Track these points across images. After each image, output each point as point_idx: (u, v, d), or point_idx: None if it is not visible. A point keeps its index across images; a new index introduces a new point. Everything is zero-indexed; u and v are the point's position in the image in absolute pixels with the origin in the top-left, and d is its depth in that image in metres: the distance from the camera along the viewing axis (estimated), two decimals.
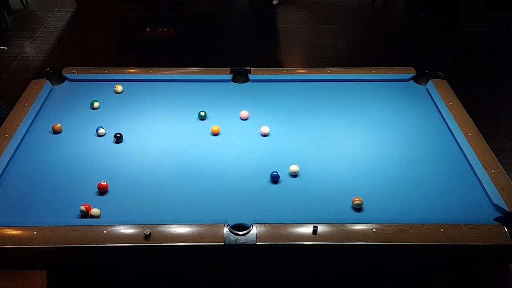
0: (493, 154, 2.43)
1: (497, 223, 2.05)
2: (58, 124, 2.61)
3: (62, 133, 2.61)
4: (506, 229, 2.00)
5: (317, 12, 6.16)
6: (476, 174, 2.33)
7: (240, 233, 1.98)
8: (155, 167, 2.40)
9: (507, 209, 2.11)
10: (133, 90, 2.96)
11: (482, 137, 2.54)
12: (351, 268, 2.36)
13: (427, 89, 2.99)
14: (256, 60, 4.98)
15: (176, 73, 3.09)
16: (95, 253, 2.00)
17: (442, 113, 2.75)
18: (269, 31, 5.70)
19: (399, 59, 5.05)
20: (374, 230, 2.01)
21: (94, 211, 2.11)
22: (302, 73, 3.18)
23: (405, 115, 2.79)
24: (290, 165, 2.36)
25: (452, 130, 2.61)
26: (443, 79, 3.03)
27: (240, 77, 3.07)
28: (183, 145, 2.55)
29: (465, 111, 2.74)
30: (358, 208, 2.16)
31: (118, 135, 2.55)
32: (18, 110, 2.67)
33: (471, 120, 2.67)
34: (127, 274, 2.40)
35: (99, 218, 2.11)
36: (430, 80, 3.01)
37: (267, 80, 3.06)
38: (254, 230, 1.99)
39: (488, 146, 2.47)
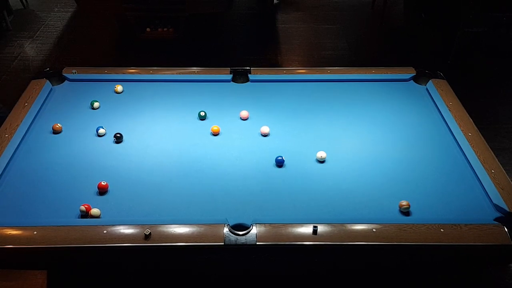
0: (493, 154, 2.43)
1: (497, 223, 2.05)
2: (58, 124, 2.61)
3: (62, 133, 2.61)
4: (506, 229, 2.00)
5: (317, 12, 6.17)
6: (476, 174, 2.33)
7: (240, 233, 1.98)
8: (155, 167, 2.40)
9: (507, 209, 2.11)
10: (133, 90, 2.96)
11: (482, 137, 2.54)
12: (351, 268, 2.36)
13: (427, 89, 2.99)
14: (256, 60, 4.98)
15: (176, 73, 3.09)
16: (95, 253, 2.00)
17: (442, 113, 2.75)
18: (269, 31, 5.70)
19: (399, 59, 5.05)
20: (374, 230, 2.00)
21: (94, 211, 2.11)
22: (302, 73, 3.18)
23: (405, 115, 2.78)
24: (318, 151, 2.42)
25: (452, 130, 2.61)
26: (443, 79, 3.03)
27: (240, 77, 3.06)
28: (183, 145, 2.55)
29: (465, 111, 2.74)
30: (405, 212, 2.14)
31: (118, 135, 2.55)
32: (18, 110, 2.67)
33: (471, 120, 2.67)
34: (127, 274, 2.41)
35: (99, 218, 2.11)
36: (430, 80, 3.01)
37: (267, 80, 3.06)
38: (254, 230, 1.99)
39: (488, 146, 2.47)
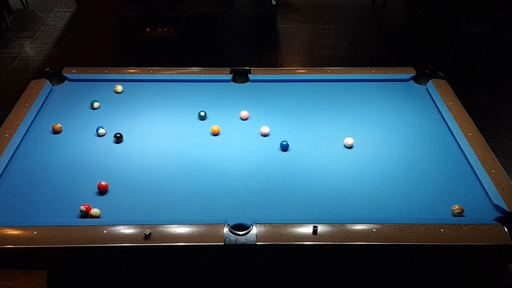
0: (493, 154, 2.43)
1: (497, 223, 2.05)
2: (58, 124, 2.61)
3: (62, 133, 2.61)
4: (506, 229, 2.00)
5: (317, 12, 6.16)
6: (476, 174, 2.33)
7: (240, 233, 1.98)
8: (155, 167, 2.40)
9: (507, 209, 2.11)
10: (133, 90, 2.96)
11: (482, 137, 2.54)
12: (351, 268, 2.36)
13: (427, 89, 2.99)
14: (256, 60, 4.98)
15: (176, 73, 3.09)
16: (95, 253, 2.00)
17: (442, 113, 2.75)
18: (269, 31, 5.70)
19: (399, 59, 5.05)
20: (374, 230, 2.01)
21: (94, 211, 2.11)
22: (302, 73, 3.18)
23: (405, 115, 2.79)
24: (346, 137, 2.53)
25: (452, 130, 2.61)
26: (443, 79, 3.03)
27: (240, 77, 3.07)
28: (183, 145, 2.55)
29: (465, 111, 2.74)
30: (458, 215, 2.13)
31: (118, 135, 2.55)
32: (18, 110, 2.67)
33: (471, 120, 2.67)
34: (127, 274, 2.40)
35: (99, 218, 2.11)
36: (430, 80, 3.01)
37: (267, 80, 3.06)
38: (254, 230, 1.99)
39: (488, 146, 2.47)
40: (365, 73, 3.12)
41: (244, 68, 3.11)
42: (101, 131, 2.58)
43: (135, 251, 1.98)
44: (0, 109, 3.47)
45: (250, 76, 3.06)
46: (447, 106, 2.76)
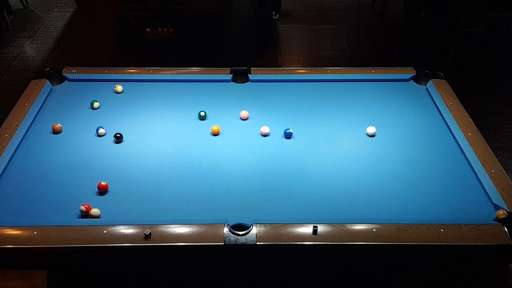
0: (493, 154, 2.43)
1: (497, 223, 2.05)
2: (58, 124, 2.61)
3: (62, 133, 2.61)
4: (506, 229, 2.00)
5: (317, 12, 6.17)
6: (476, 174, 2.33)
7: (240, 233, 1.98)
8: (155, 167, 2.40)
9: (507, 209, 2.11)
10: (133, 90, 2.96)
11: (482, 137, 2.54)
12: (351, 268, 2.36)
13: (427, 89, 2.99)
14: (256, 60, 4.98)
15: (176, 73, 3.09)
16: (95, 253, 2.00)
17: (442, 113, 2.75)
18: (269, 31, 5.70)
19: (399, 59, 5.05)
20: (374, 230, 2.00)
21: (94, 211, 2.11)
22: (302, 73, 3.18)
23: (405, 115, 2.78)
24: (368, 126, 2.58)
25: (452, 130, 2.61)
26: (443, 79, 3.03)
27: (240, 77, 3.06)
28: (183, 145, 2.55)
29: (465, 111, 2.74)
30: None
31: (118, 135, 2.55)
32: (18, 110, 2.67)
33: (471, 120, 2.67)
34: (127, 274, 2.41)
35: (99, 218, 2.11)
36: (430, 80, 3.01)
37: (267, 80, 3.06)
38: (254, 230, 1.99)
39: (488, 146, 2.47)
40: (365, 73, 3.12)
41: (244, 68, 3.11)
42: (101, 131, 2.58)
43: (135, 251, 1.98)
44: (0, 109, 3.46)
45: (250, 76, 3.06)
46: (447, 106, 2.76)
